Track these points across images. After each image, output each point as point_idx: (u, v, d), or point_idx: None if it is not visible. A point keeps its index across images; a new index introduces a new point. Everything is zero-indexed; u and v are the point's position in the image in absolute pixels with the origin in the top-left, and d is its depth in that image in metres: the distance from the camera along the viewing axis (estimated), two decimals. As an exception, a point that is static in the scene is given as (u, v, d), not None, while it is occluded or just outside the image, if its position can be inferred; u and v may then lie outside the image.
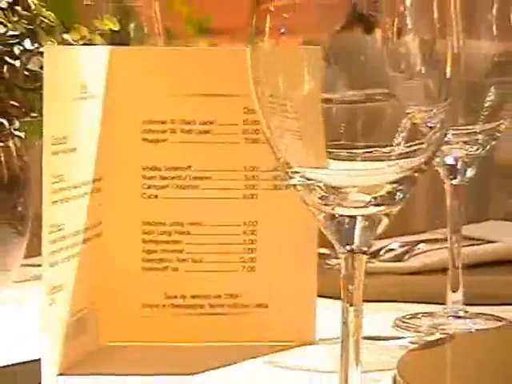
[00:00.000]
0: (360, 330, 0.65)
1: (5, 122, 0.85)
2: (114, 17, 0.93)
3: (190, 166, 0.87)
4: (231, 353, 0.84)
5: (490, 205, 2.78)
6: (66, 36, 0.90)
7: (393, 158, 0.62)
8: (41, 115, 0.79)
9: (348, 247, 0.64)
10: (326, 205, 0.63)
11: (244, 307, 0.88)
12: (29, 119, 0.86)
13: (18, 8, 0.85)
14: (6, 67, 0.83)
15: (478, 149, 0.95)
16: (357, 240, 0.64)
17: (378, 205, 0.63)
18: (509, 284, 1.09)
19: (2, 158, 0.85)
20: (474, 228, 1.19)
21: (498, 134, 0.95)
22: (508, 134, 0.97)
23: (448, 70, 0.62)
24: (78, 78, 0.82)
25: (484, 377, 0.81)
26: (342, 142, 0.62)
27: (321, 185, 0.63)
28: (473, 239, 1.14)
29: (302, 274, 0.88)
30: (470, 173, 0.95)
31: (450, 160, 0.95)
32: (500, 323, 0.94)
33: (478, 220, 1.29)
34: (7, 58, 0.83)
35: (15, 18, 0.84)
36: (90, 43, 0.90)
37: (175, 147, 0.87)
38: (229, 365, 0.82)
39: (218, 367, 0.82)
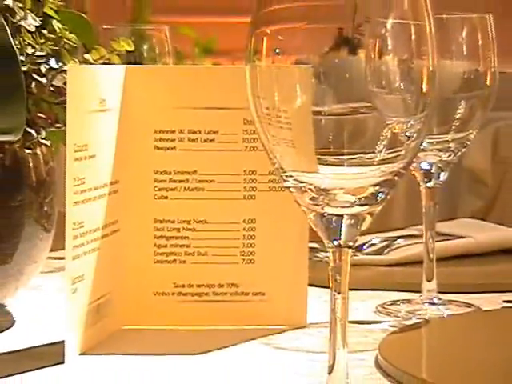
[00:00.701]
0: (346, 315, 0.65)
1: (33, 131, 0.85)
2: (130, 39, 0.93)
3: (196, 171, 0.87)
4: (233, 335, 0.85)
5: (459, 205, 2.78)
6: (86, 56, 0.90)
7: (375, 163, 0.62)
8: (64, 126, 0.79)
9: (335, 242, 0.64)
10: (316, 205, 0.63)
11: (244, 295, 0.88)
12: (54, 129, 0.86)
13: (45, 31, 0.85)
14: (34, 84, 0.83)
15: (449, 155, 0.95)
16: (343, 236, 0.64)
17: (362, 205, 0.63)
18: (477, 275, 1.10)
19: (31, 164, 0.85)
20: (445, 225, 1.19)
21: (468, 143, 0.95)
22: (475, 142, 0.97)
23: (424, 86, 0.63)
24: (97, 93, 0.82)
25: (454, 355, 0.81)
26: (330, 150, 0.62)
27: (311, 187, 0.63)
28: (445, 235, 1.14)
29: (294, 266, 0.88)
30: (442, 177, 0.95)
31: (425, 165, 0.95)
32: (469, 309, 0.94)
33: (450, 218, 1.29)
34: (35, 76, 0.83)
35: (42, 40, 0.84)
36: (108, 62, 0.90)
37: (183, 154, 0.87)
38: (231, 346, 0.82)
39: (221, 348, 0.82)
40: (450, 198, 2.68)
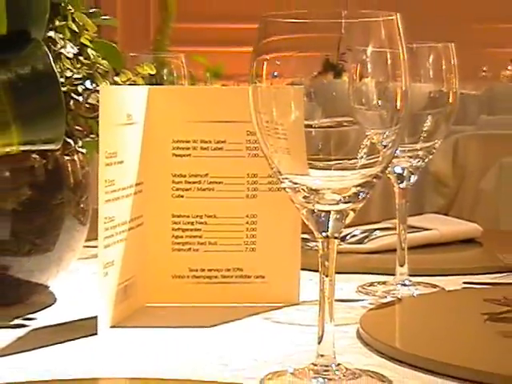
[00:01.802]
0: (332, 294, 0.65)
1: (71, 141, 0.84)
2: (152, 64, 0.93)
3: (207, 174, 0.87)
4: (238, 311, 0.84)
5: (426, 202, 2.79)
6: (116, 78, 0.89)
7: (357, 168, 0.62)
8: (97, 136, 0.79)
9: (324, 234, 0.64)
10: (307, 202, 0.63)
11: (247, 278, 0.88)
12: (89, 139, 0.86)
13: (81, 58, 0.85)
14: (72, 101, 0.82)
15: (418, 161, 0.95)
16: (330, 228, 0.64)
17: (346, 202, 0.63)
18: (441, 261, 1.09)
19: (69, 168, 0.85)
20: (415, 219, 1.18)
21: (433, 151, 0.95)
22: (439, 151, 0.97)
23: (398, 104, 0.62)
24: (125, 109, 0.82)
25: (423, 328, 0.81)
26: (319, 156, 0.62)
27: (304, 187, 0.63)
28: (414, 227, 1.14)
29: (289, 253, 0.88)
30: (413, 179, 0.95)
31: (398, 169, 0.95)
32: (435, 289, 0.94)
33: (418, 213, 1.29)
34: (73, 95, 0.83)
35: (79, 65, 0.84)
36: (133, 84, 0.90)
37: (196, 160, 0.87)
38: (236, 320, 0.82)
39: (228, 322, 0.82)
40: (418, 196, 2.69)
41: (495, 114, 4.05)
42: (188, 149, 0.87)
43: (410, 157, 0.94)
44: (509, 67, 4.93)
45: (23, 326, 0.80)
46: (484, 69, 5.44)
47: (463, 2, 6.44)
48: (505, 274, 1.01)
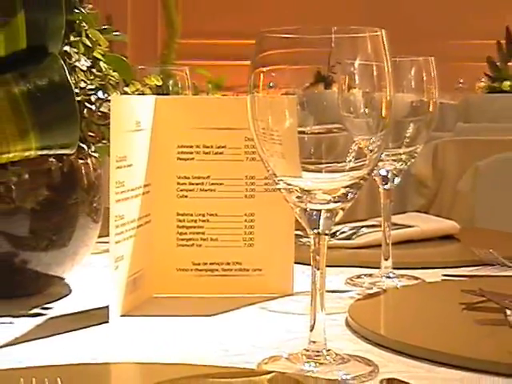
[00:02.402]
0: (323, 286, 0.65)
1: (85, 146, 0.84)
2: (159, 76, 0.93)
3: (209, 176, 0.87)
4: (237, 301, 0.84)
5: (408, 202, 2.79)
6: (126, 89, 0.89)
7: (345, 170, 0.62)
8: (109, 142, 0.78)
9: (315, 231, 0.64)
10: (300, 202, 0.63)
11: (245, 271, 0.87)
12: (101, 145, 0.86)
13: (94, 70, 0.85)
14: (85, 110, 0.82)
15: (402, 164, 0.95)
16: (321, 226, 0.63)
17: (335, 202, 0.63)
18: (422, 255, 1.09)
19: (83, 171, 0.84)
20: (398, 217, 1.18)
21: (415, 155, 0.95)
22: (420, 155, 0.97)
23: (383, 112, 0.62)
24: (134, 117, 0.81)
25: (406, 316, 0.81)
26: (311, 160, 0.62)
27: (297, 188, 0.63)
28: (398, 225, 1.14)
29: (284, 248, 0.88)
30: (396, 181, 0.95)
31: (383, 172, 0.95)
32: (416, 281, 0.94)
33: (401, 212, 1.29)
34: (86, 104, 0.82)
35: (92, 77, 0.84)
36: (142, 93, 0.90)
37: (199, 163, 0.87)
38: (235, 309, 0.82)
39: (228, 311, 0.81)
40: (401, 196, 2.69)
41: (471, 122, 4.05)
42: (191, 153, 0.87)
43: (394, 160, 0.94)
44: (482, 79, 4.95)
45: (41, 314, 0.80)
46: (460, 81, 5.45)
47: (442, 21, 6.47)
48: (480, 267, 1.01)
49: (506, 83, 4.80)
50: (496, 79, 4.83)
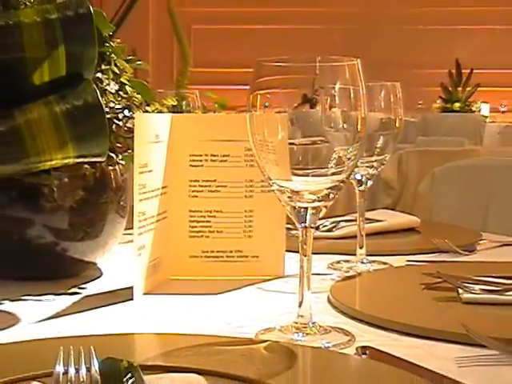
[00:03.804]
0: (310, 269, 0.64)
1: (113, 155, 0.84)
2: (174, 98, 0.92)
3: (215, 180, 0.86)
4: (238, 282, 0.83)
5: (378, 201, 2.78)
6: (147, 108, 0.89)
7: (328, 175, 0.62)
8: (133, 151, 0.78)
9: (303, 224, 0.63)
10: (291, 201, 0.63)
11: (245, 257, 0.87)
12: (126, 154, 0.85)
13: (121, 93, 0.85)
14: (114, 125, 0.82)
15: (373, 170, 0.94)
16: (308, 221, 0.63)
17: (320, 201, 0.62)
18: (390, 244, 1.08)
19: (112, 175, 0.84)
20: (370, 213, 1.18)
21: (384, 162, 0.95)
22: (388, 162, 0.97)
23: (358, 127, 0.62)
24: (154, 131, 0.81)
25: (377, 295, 0.80)
26: (299, 166, 0.62)
27: (288, 190, 0.62)
28: (370, 219, 1.13)
29: (277, 239, 0.87)
30: (369, 183, 0.95)
31: (358, 176, 0.94)
32: (385, 266, 0.94)
33: (372, 209, 1.28)
34: (115, 121, 0.82)
35: (119, 99, 0.84)
36: (160, 112, 0.90)
37: (207, 169, 0.86)
38: (237, 289, 0.81)
39: (231, 290, 0.81)
40: (372, 196, 2.69)
41: (429, 136, 4.06)
42: (201, 161, 0.86)
43: (367, 167, 0.94)
44: (438, 101, 4.97)
45: (77, 293, 0.79)
46: (420, 102, 5.46)
47: (406, 53, 6.49)
48: (437, 253, 1.00)
49: (457, 104, 4.82)
50: (448, 101, 4.85)
